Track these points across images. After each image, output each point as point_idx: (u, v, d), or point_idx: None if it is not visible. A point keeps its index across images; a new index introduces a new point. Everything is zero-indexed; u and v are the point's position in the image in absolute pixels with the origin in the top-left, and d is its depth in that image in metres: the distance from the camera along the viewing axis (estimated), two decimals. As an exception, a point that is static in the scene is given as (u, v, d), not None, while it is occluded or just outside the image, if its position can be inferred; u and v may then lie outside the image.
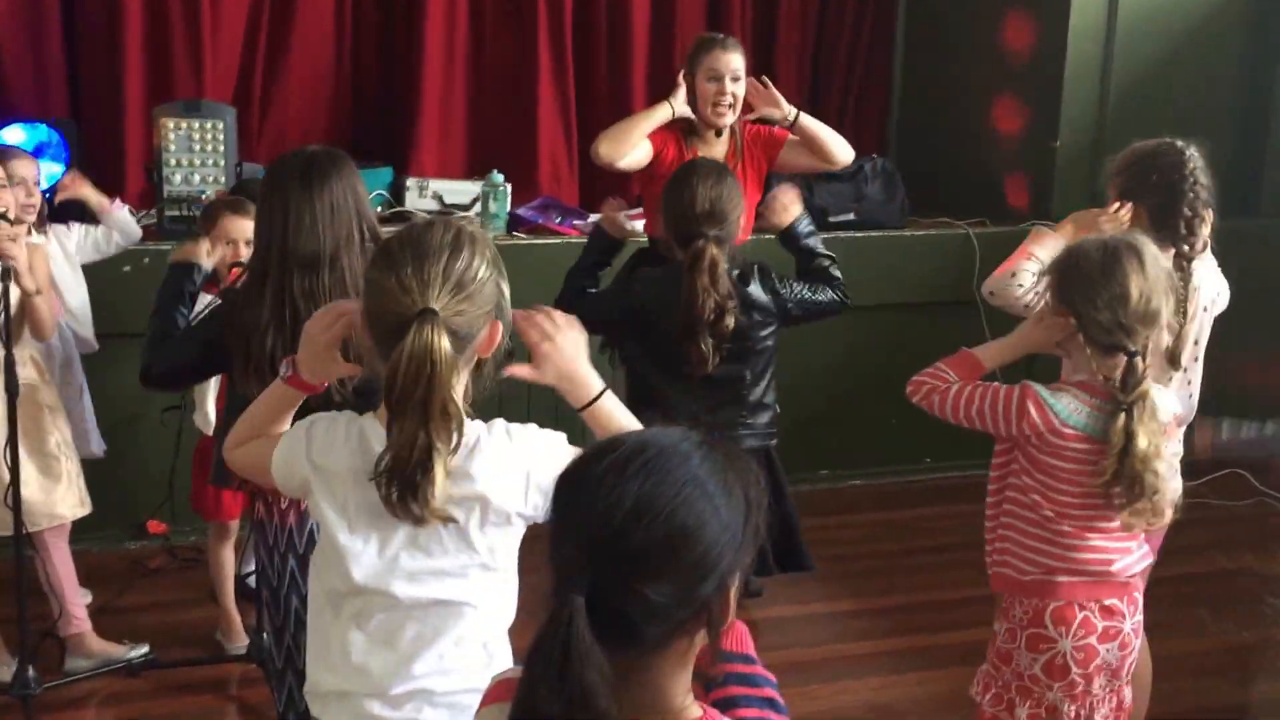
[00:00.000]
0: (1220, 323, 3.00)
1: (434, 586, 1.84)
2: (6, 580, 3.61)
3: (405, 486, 1.74)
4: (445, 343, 1.69)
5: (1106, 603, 2.47)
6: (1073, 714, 2.49)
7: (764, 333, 3.23)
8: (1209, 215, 2.84)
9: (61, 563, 3.60)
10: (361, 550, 1.83)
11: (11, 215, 3.37)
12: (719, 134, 3.93)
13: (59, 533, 3.59)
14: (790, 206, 3.48)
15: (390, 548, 1.83)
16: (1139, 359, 2.35)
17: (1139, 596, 2.55)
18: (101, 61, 4.81)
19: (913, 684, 3.72)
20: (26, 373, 3.43)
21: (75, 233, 3.94)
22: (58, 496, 3.53)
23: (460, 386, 1.77)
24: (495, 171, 4.90)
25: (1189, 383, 2.93)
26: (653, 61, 5.61)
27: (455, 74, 5.32)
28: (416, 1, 5.18)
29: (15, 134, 4.21)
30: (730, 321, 3.09)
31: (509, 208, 4.93)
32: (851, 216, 5.12)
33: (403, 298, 1.72)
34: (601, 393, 1.92)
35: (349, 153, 4.96)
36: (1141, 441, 2.32)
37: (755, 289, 3.20)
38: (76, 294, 3.87)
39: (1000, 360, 2.60)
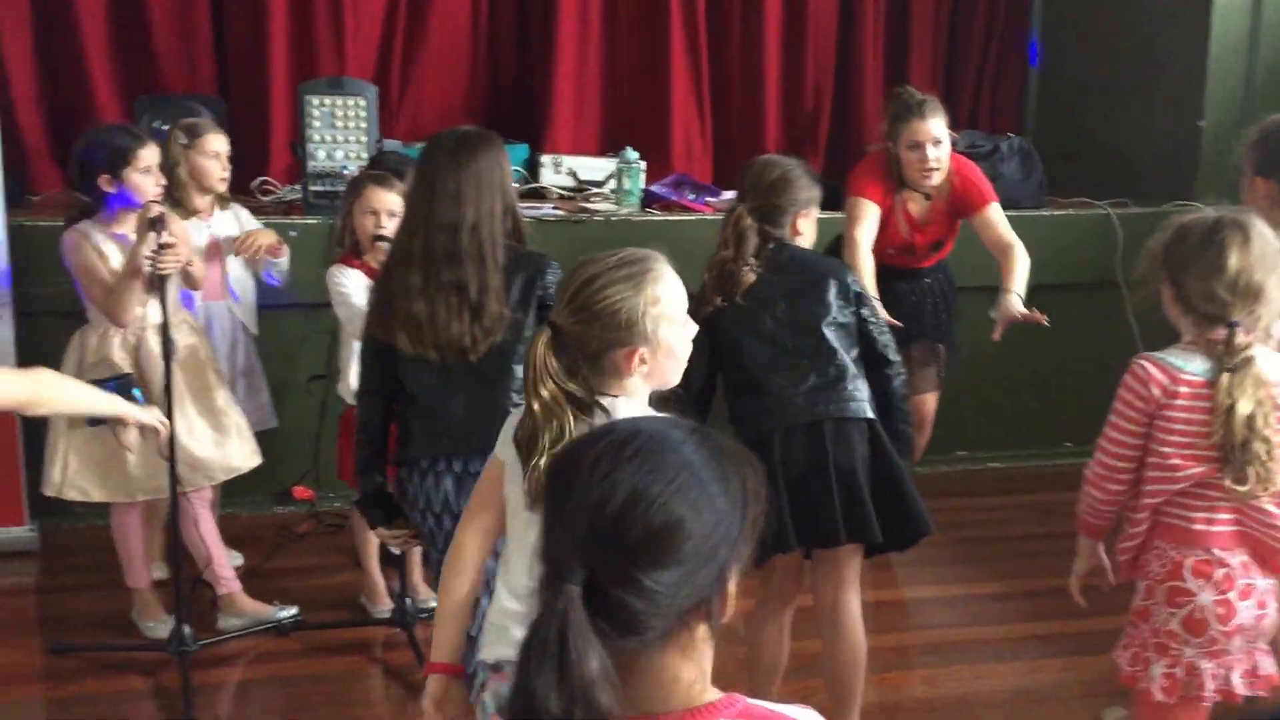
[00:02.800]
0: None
1: None
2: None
3: (525, 459, 1.94)
4: (545, 351, 1.92)
5: (1244, 558, 2.44)
6: (1211, 672, 2.45)
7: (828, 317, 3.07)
8: None
9: (208, 526, 3.70)
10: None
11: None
12: (928, 197, 3.98)
13: (204, 497, 3.69)
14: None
15: None
16: (1239, 329, 2.37)
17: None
18: (248, 39, 4.92)
19: (1057, 669, 3.64)
20: (184, 336, 3.53)
21: (250, 222, 3.98)
22: (230, 449, 3.63)
23: (605, 386, 1.95)
24: (629, 148, 4.91)
25: None
26: (786, 37, 5.58)
27: (590, 51, 5.34)
28: (552, -18, 5.21)
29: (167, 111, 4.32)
30: (750, 277, 2.86)
31: (643, 184, 4.93)
32: (988, 195, 5.01)
33: (555, 305, 2.02)
34: None
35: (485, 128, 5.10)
36: (1244, 406, 2.34)
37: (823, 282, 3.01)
38: (243, 279, 3.95)
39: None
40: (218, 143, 3.80)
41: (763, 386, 2.83)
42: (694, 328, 2.04)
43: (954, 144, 5.13)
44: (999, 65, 5.90)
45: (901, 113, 3.92)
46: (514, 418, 2.02)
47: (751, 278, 2.86)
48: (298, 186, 4.66)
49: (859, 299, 2.94)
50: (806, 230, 3.01)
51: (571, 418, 1.90)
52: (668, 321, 1.96)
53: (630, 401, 1.96)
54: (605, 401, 1.93)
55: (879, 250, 3.88)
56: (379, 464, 2.82)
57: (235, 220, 3.92)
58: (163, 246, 3.29)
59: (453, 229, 2.57)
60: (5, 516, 4.08)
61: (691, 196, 5.05)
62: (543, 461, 1.89)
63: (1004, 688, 3.57)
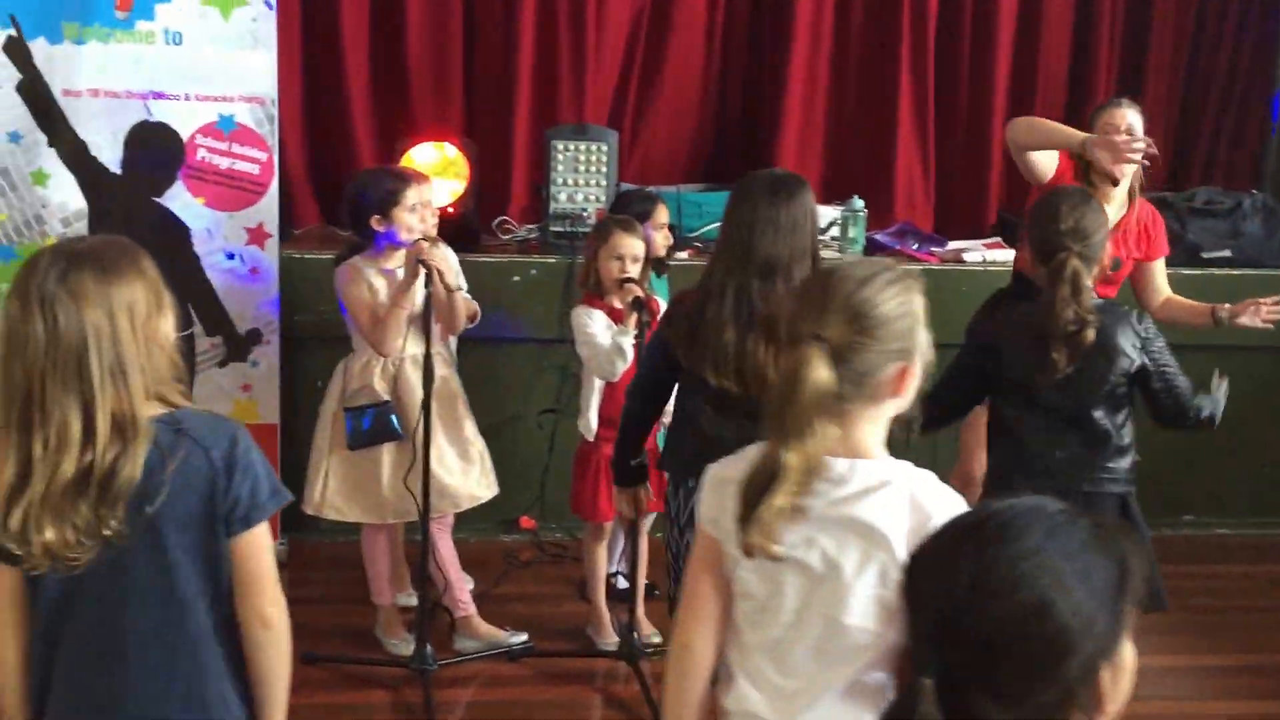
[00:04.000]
0: None
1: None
2: (411, 564, 3.94)
3: (748, 504, 1.74)
4: (821, 370, 1.69)
5: None
6: None
7: (1117, 375, 3.08)
8: None
9: (447, 549, 3.90)
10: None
11: (432, 234, 3.67)
12: (1115, 185, 3.87)
13: (444, 524, 3.87)
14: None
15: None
16: None
17: None
18: (495, 85, 5.16)
19: (1288, 750, 3.54)
20: (438, 367, 3.71)
21: (455, 262, 4.07)
22: (474, 479, 3.82)
23: (859, 420, 1.76)
24: (855, 196, 4.96)
25: None
26: (1013, 92, 5.55)
27: (816, 100, 5.42)
28: (783, 34, 5.31)
29: (426, 153, 4.58)
30: (1090, 334, 2.93)
31: (866, 232, 4.98)
32: (1227, 254, 4.90)
33: (803, 319, 1.74)
34: None
35: (710, 174, 5.21)
36: None
37: (1118, 328, 3.05)
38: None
39: None
40: (428, 193, 3.82)
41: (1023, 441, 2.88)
42: None
43: (1190, 198, 5.03)
44: (1238, 120, 5.74)
45: (1103, 105, 3.97)
46: (716, 478, 1.88)
47: (1091, 334, 2.91)
48: (534, 227, 4.86)
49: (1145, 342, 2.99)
50: None
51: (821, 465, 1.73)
52: (927, 336, 1.80)
53: (891, 462, 1.80)
54: (864, 463, 1.76)
55: None
56: (640, 448, 3.13)
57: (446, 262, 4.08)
58: (428, 273, 3.50)
59: (770, 267, 2.67)
60: (261, 529, 4.35)
61: (916, 246, 5.07)
62: (770, 513, 1.72)
63: (1229, 766, 3.49)
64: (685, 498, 2.84)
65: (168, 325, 1.97)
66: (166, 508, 1.90)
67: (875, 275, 1.76)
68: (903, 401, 1.80)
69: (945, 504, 1.74)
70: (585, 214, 4.59)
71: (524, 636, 3.91)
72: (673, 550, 2.97)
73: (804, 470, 1.71)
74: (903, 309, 1.76)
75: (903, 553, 1.68)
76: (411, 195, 3.67)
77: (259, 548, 1.97)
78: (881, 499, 1.75)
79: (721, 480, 1.85)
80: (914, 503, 1.75)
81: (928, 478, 1.79)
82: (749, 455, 1.83)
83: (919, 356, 1.78)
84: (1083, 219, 3.03)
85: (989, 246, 5.08)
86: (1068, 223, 3.00)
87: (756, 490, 1.74)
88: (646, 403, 3.04)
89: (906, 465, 1.80)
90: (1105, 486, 2.92)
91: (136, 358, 1.89)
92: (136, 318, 1.90)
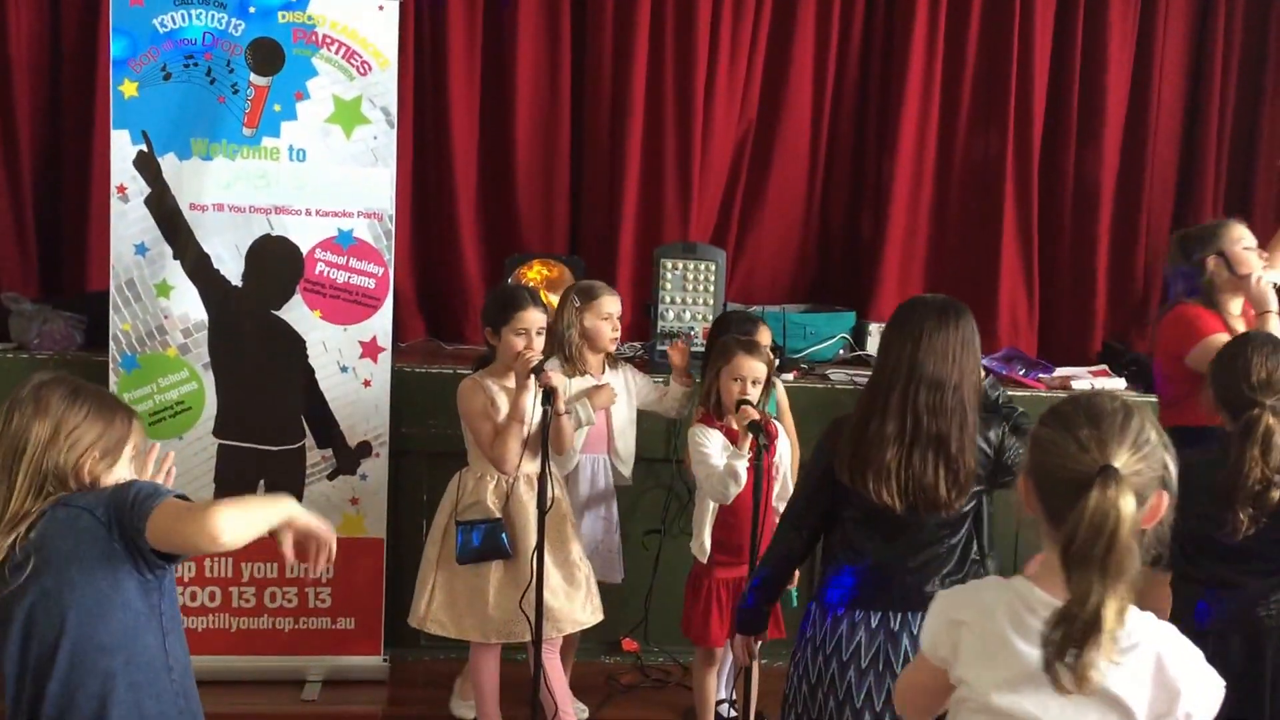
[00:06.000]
0: None
1: None
2: (509, 683, 3.86)
3: (1067, 647, 1.71)
4: (1130, 500, 1.70)
5: None
6: None
7: None
8: None
9: (555, 671, 3.81)
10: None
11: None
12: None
13: (554, 647, 3.80)
14: None
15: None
16: None
17: None
18: (601, 204, 5.21)
19: None
20: (552, 488, 3.69)
21: (640, 379, 4.17)
22: (578, 604, 3.76)
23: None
24: (961, 320, 4.90)
25: None
26: (1116, 216, 5.51)
27: (919, 222, 5.41)
28: (887, 153, 5.33)
29: (537, 270, 4.61)
30: (1276, 495, 2.93)
31: (973, 357, 4.91)
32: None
33: (1082, 455, 1.75)
34: None
35: (813, 295, 5.18)
36: None
37: None
38: (627, 435, 4.09)
39: None
40: (611, 305, 3.99)
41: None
42: None
43: None
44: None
45: (1218, 223, 3.97)
46: (951, 605, 1.92)
47: (1278, 495, 2.84)
48: (640, 345, 4.86)
49: None
50: None
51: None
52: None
53: (1137, 615, 1.79)
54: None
55: None
56: (780, 590, 3.02)
57: (623, 380, 4.09)
58: (547, 392, 3.50)
59: (939, 386, 2.65)
60: (364, 645, 4.30)
61: (1023, 371, 4.99)
62: (1102, 659, 1.70)
63: None
64: (834, 626, 2.76)
65: (115, 477, 2.24)
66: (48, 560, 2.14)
67: (1126, 407, 1.79)
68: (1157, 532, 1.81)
69: (1194, 675, 1.77)
70: (690, 332, 4.58)
71: (629, 762, 3.81)
72: (797, 677, 2.85)
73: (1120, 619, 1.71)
74: (1157, 436, 1.80)
75: None
76: (525, 318, 3.67)
77: (165, 516, 2.11)
78: (1131, 667, 1.75)
79: (953, 621, 1.89)
80: (1160, 672, 1.75)
81: (1172, 636, 1.79)
82: (983, 597, 1.86)
83: (1171, 483, 1.80)
84: (1276, 370, 2.96)
85: (1095, 374, 5.01)
86: (1259, 374, 2.93)
87: (1071, 638, 1.72)
88: (800, 535, 2.90)
89: (1149, 619, 1.78)
90: None
91: (56, 478, 2.18)
92: (78, 446, 2.20)
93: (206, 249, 4.14)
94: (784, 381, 4.59)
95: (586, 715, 4.07)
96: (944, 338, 2.67)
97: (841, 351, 5.10)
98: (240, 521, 2.10)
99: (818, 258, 5.51)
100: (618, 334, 4.02)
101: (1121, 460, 1.74)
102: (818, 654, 2.78)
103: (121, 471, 2.25)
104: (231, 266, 4.17)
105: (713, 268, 4.64)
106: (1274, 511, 2.92)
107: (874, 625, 2.73)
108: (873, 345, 5.12)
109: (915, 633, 2.67)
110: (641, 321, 4.89)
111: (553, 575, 3.67)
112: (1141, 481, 1.75)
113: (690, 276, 4.64)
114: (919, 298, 2.82)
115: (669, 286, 4.62)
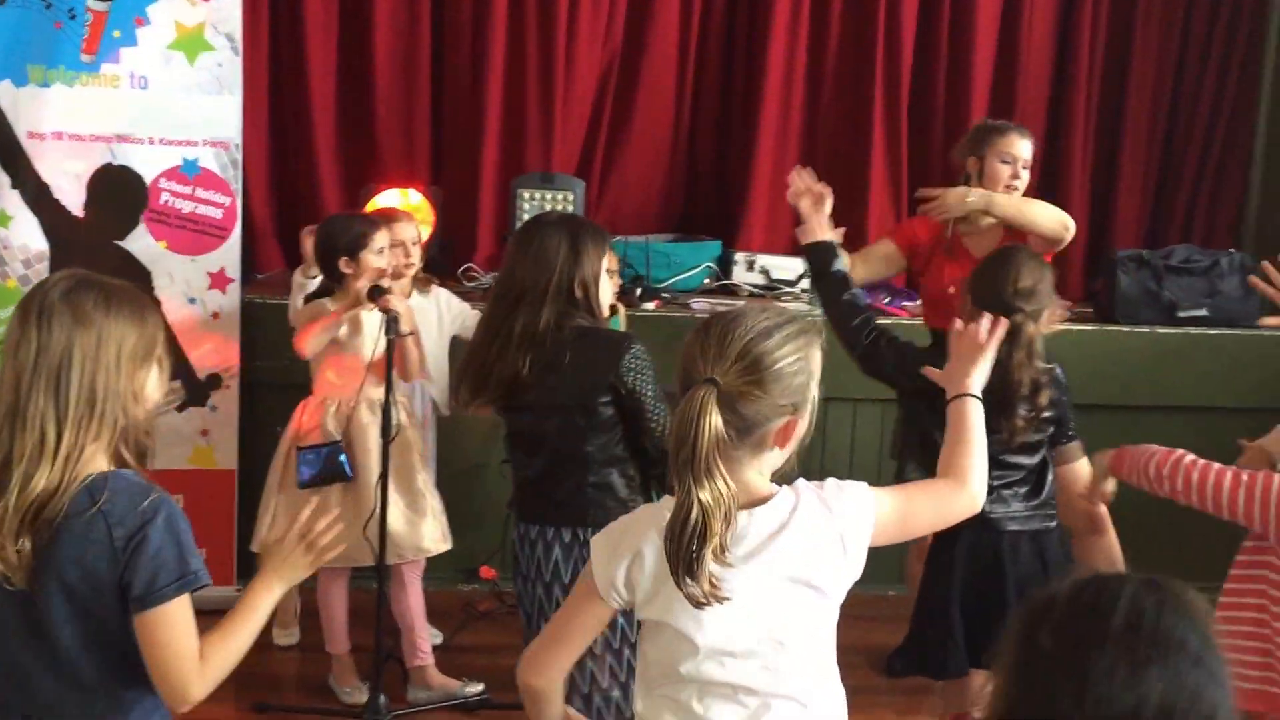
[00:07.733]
0: None
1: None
2: (359, 611, 3.89)
3: (683, 557, 1.71)
4: (713, 416, 1.69)
5: None
6: None
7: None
8: None
9: (415, 598, 3.84)
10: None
11: (386, 283, 3.65)
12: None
13: (416, 569, 3.83)
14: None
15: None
16: None
17: None
18: (462, 134, 5.17)
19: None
20: (396, 414, 3.70)
21: (456, 305, 4.18)
22: (424, 531, 3.77)
23: (744, 468, 1.78)
24: (826, 247, 4.94)
25: None
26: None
27: (788, 150, 5.41)
28: (754, 84, 5.33)
29: (391, 199, 4.58)
30: (1046, 396, 2.99)
31: (836, 285, 4.96)
32: (1204, 312, 4.90)
33: (697, 363, 1.76)
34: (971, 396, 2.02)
35: (680, 225, 5.18)
36: None
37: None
38: (438, 360, 4.10)
39: None
40: (403, 231, 3.94)
41: None
42: None
43: (1167, 255, 5.02)
44: (1216, 179, 5.72)
45: (999, 127, 3.90)
46: (612, 535, 1.88)
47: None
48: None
49: None
50: None
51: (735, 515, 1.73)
52: (819, 391, 1.82)
53: (783, 489, 1.82)
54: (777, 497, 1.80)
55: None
56: None
57: (435, 305, 4.09)
58: (387, 313, 3.49)
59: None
60: (216, 576, 4.27)
61: (887, 300, 5.06)
62: (716, 565, 1.70)
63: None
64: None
65: (152, 384, 1.96)
66: (54, 569, 1.88)
67: (777, 327, 1.77)
68: (785, 454, 1.83)
69: (832, 496, 1.84)
70: (551, 262, 4.58)
71: (480, 687, 3.85)
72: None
73: (722, 510, 1.70)
74: (799, 364, 1.77)
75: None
76: (379, 239, 3.68)
77: (160, 627, 1.93)
78: (798, 529, 1.81)
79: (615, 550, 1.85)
80: (815, 518, 1.82)
81: (804, 488, 1.84)
82: (639, 517, 1.87)
83: (808, 411, 1.80)
84: (1040, 281, 3.03)
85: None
86: (1025, 283, 2.99)
87: (683, 541, 1.71)
88: None
89: (799, 481, 1.84)
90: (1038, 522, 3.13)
91: (111, 395, 1.89)
92: (123, 355, 1.90)
93: (46, 178, 4.07)
94: (647, 311, 4.63)
95: (440, 640, 4.11)
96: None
97: (707, 281, 5.13)
98: (219, 677, 2.00)
99: (685, 188, 5.52)
100: (412, 259, 3.96)
101: (728, 378, 1.73)
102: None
103: (149, 378, 1.95)
104: (72, 196, 4.09)
105: (571, 197, 4.65)
106: (1043, 412, 3.01)
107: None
108: (738, 275, 5.16)
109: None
110: (499, 251, 4.88)
111: (394, 502, 3.68)
112: (754, 405, 1.74)
113: (549, 206, 4.63)
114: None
115: (527, 216, 4.59)
